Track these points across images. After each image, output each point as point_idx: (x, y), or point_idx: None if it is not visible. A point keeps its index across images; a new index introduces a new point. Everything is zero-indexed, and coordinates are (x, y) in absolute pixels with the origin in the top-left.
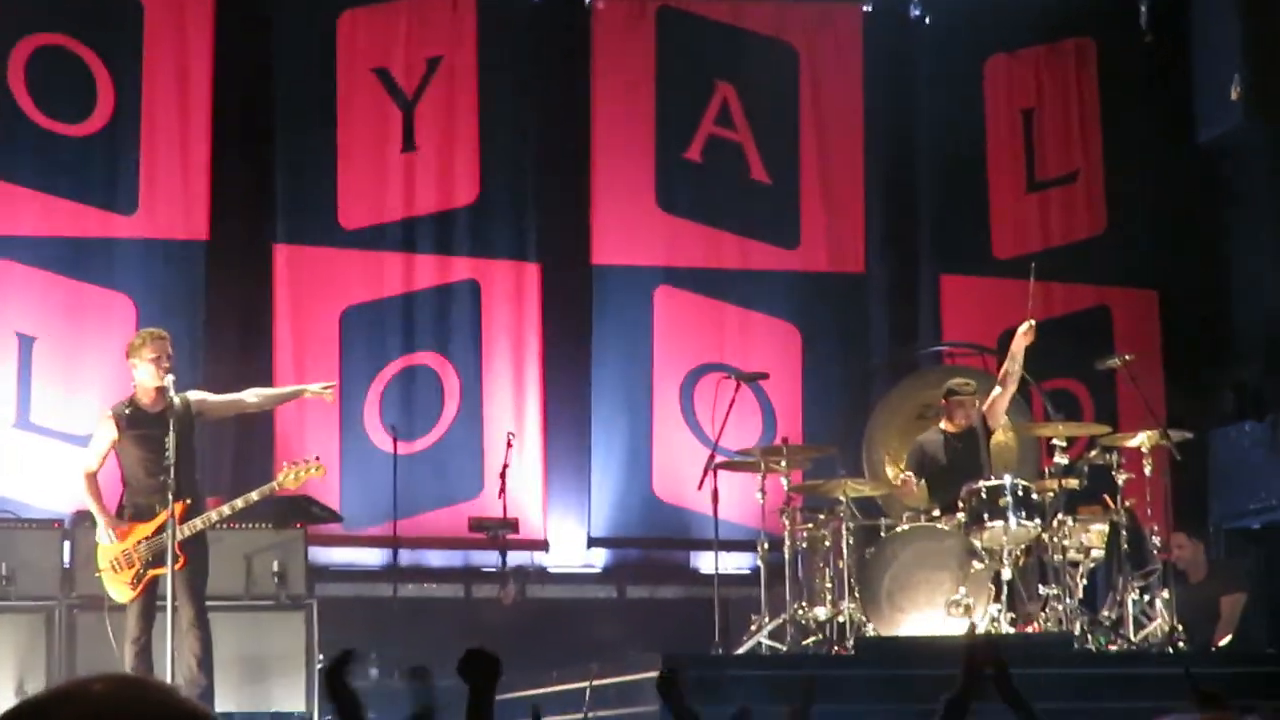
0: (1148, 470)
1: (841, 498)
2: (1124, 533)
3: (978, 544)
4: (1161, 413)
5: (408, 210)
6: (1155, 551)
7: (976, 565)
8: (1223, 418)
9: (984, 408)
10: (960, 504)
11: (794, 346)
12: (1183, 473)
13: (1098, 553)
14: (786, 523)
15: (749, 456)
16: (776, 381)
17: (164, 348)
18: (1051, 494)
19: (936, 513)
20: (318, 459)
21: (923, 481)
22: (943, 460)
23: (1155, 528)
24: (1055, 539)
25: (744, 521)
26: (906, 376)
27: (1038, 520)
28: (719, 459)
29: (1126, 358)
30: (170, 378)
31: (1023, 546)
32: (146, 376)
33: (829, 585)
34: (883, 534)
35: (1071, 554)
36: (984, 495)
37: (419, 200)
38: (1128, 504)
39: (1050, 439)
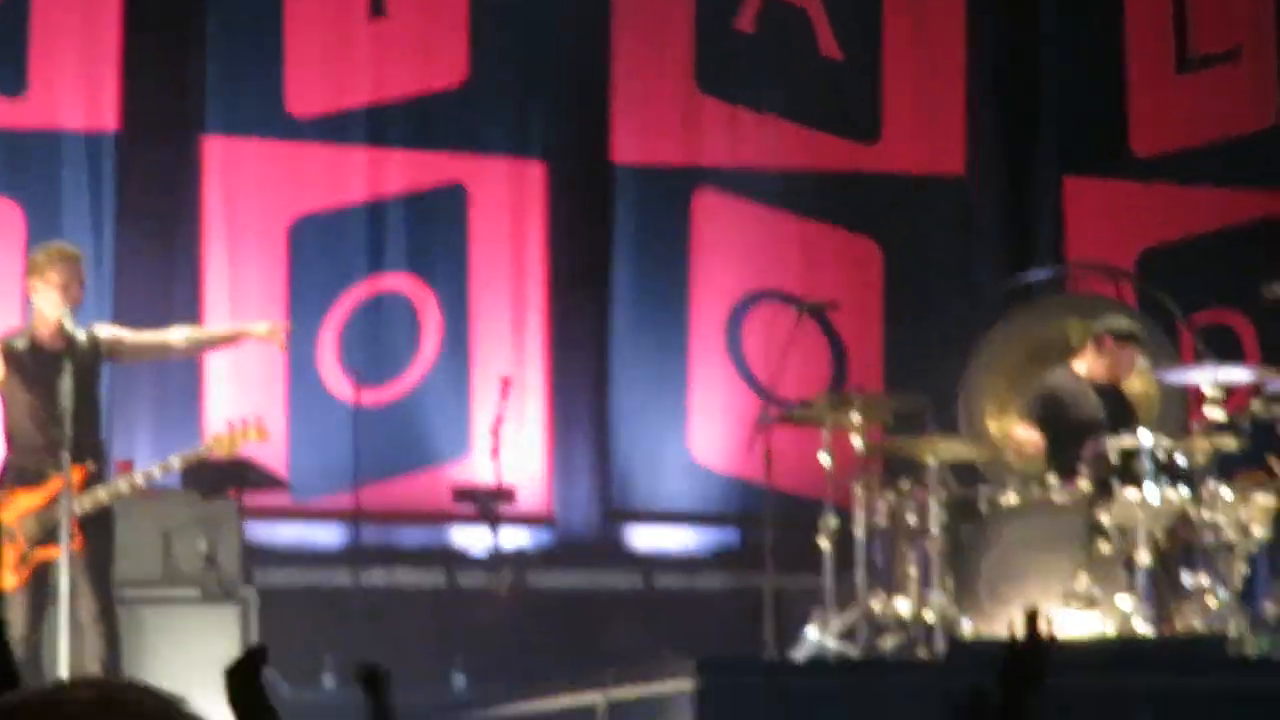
0: None
1: (931, 461)
2: None
3: (1106, 520)
4: None
5: (376, 94)
6: None
7: (1104, 547)
8: None
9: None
10: (1082, 469)
11: (873, 268)
12: None
13: (1261, 532)
14: (860, 493)
15: (813, 408)
16: (849, 313)
17: (75, 271)
18: (1203, 457)
19: (1053, 481)
20: (259, 421)
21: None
22: (1085, 415)
23: None
24: (1207, 515)
25: (806, 492)
26: (1019, 307)
27: (1184, 490)
28: (774, 412)
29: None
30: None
31: (1164, 524)
32: (48, 305)
33: (914, 572)
34: (983, 508)
35: (1228, 534)
36: (1114, 458)
37: (390, 81)
38: None
39: (1202, 387)
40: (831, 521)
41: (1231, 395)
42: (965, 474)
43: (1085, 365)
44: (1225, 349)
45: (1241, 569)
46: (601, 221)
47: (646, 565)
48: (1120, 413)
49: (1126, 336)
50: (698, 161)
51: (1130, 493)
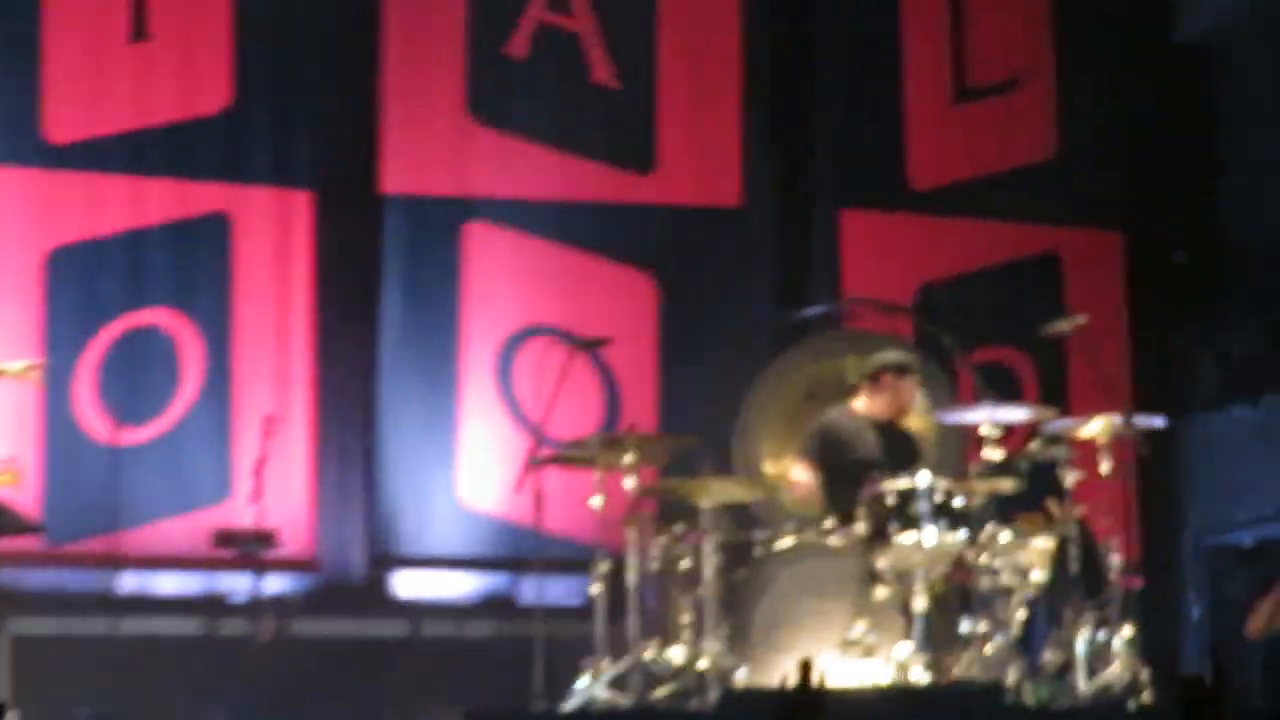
0: (1105, 469)
1: (706, 504)
2: (1074, 550)
3: (883, 565)
4: (1126, 393)
5: (137, 120)
6: (1115, 574)
7: (881, 593)
8: (1205, 399)
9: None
10: (860, 512)
11: (647, 303)
12: (1152, 472)
13: (1039, 576)
14: (633, 537)
15: (584, 448)
16: (624, 349)
17: None
18: (981, 499)
19: (829, 524)
20: (12, 462)
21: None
22: (862, 454)
23: (1115, 543)
24: (985, 559)
25: (577, 535)
26: (795, 344)
27: (962, 534)
28: (545, 452)
29: (1080, 321)
30: None
31: (942, 569)
32: None
33: (688, 619)
34: (758, 552)
35: (1005, 578)
36: (891, 501)
37: (152, 107)
38: (1080, 513)
39: (980, 427)
40: (603, 566)
41: (1009, 435)
42: (741, 517)
43: (863, 403)
44: (1004, 387)
45: (1019, 615)
46: (370, 253)
47: (414, 612)
48: (899, 452)
49: (903, 370)
50: (469, 192)
51: (907, 536)
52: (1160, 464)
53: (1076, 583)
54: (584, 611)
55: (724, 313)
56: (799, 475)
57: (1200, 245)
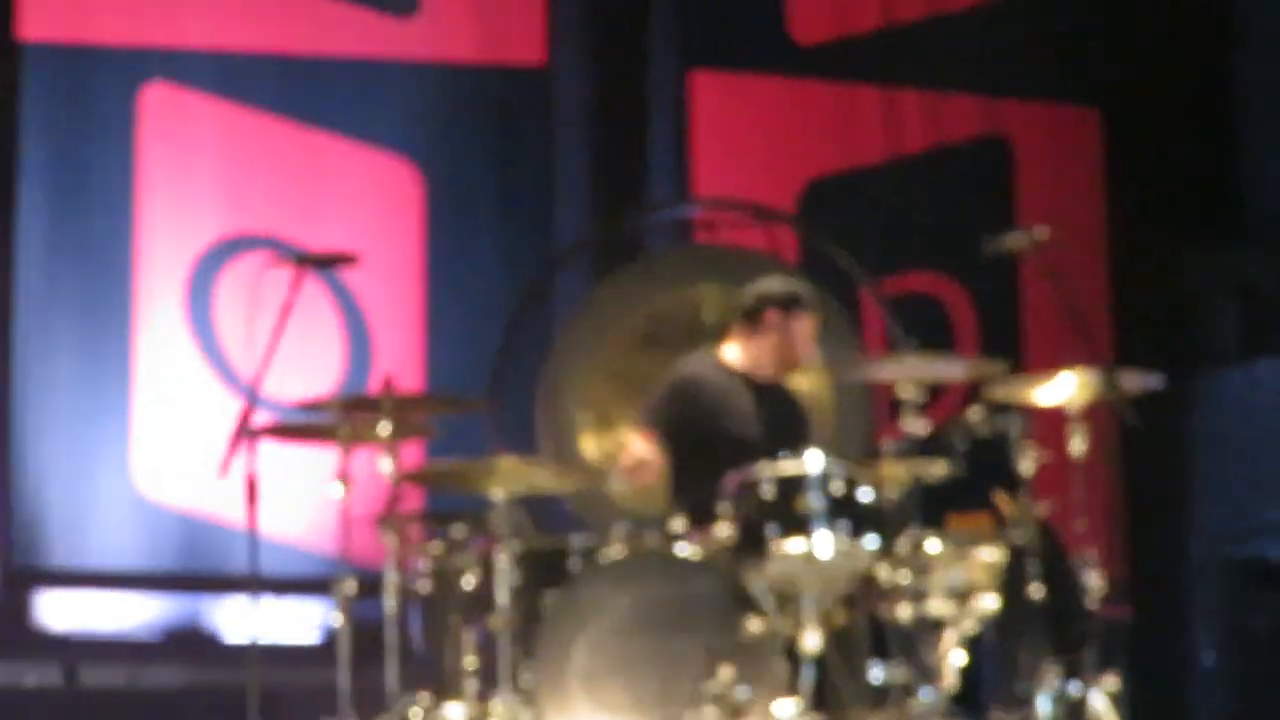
0: (1077, 449)
1: (498, 495)
2: (1033, 566)
3: (758, 585)
4: (1105, 340)
5: None
6: (1092, 600)
7: (754, 625)
8: (1220, 351)
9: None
10: (723, 508)
11: (409, 205)
12: (1145, 454)
13: (984, 603)
14: (392, 544)
15: (319, 414)
16: (374, 271)
17: None
18: (899, 491)
19: (679, 526)
20: None
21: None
22: (728, 426)
23: (1093, 556)
24: (904, 577)
25: (308, 542)
26: (624, 265)
27: (871, 541)
28: (261, 418)
29: (1038, 235)
30: None
31: (843, 591)
32: None
33: (472, 663)
34: (575, 566)
35: (935, 606)
36: (769, 493)
37: None
38: (1042, 512)
39: (897, 388)
40: (347, 587)
41: (939, 399)
42: (549, 515)
43: (734, 352)
44: (930, 331)
45: (956, 659)
46: (3, 126)
47: (69, 651)
48: (782, 423)
49: (792, 305)
50: (148, 41)
51: (793, 544)
52: (1157, 442)
53: (1037, 613)
54: (319, 652)
55: (521, 220)
56: (636, 454)
57: (1213, 140)
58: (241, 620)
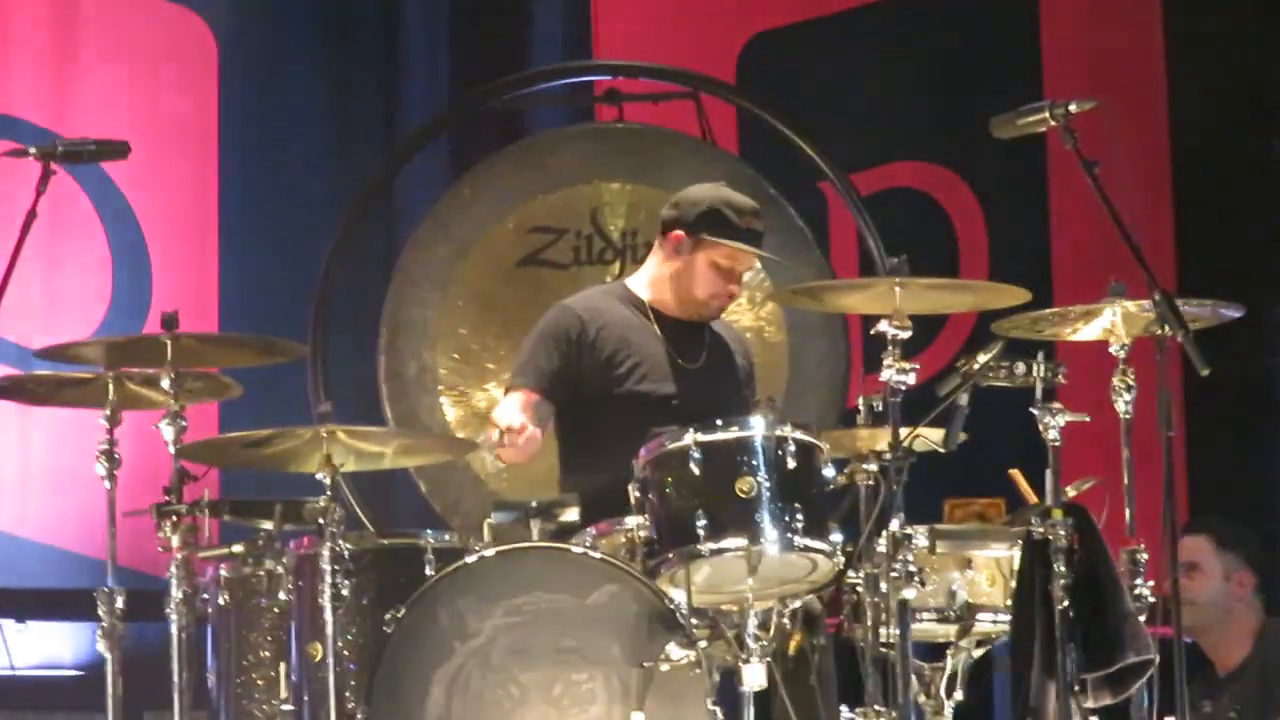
0: (1121, 406)
1: (322, 475)
2: (1062, 568)
3: (674, 595)
4: (1164, 258)
5: None
6: (1143, 614)
7: (676, 654)
8: None
9: None
10: (633, 491)
11: (202, 78)
12: (1212, 412)
13: (989, 623)
14: (177, 543)
15: (76, 365)
16: (152, 169)
17: None
18: (875, 468)
19: (569, 514)
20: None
21: (550, 423)
22: (640, 379)
23: (1144, 555)
24: (884, 588)
25: (63, 543)
26: (494, 160)
27: (835, 535)
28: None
29: (1070, 108)
30: None
31: (799, 604)
32: None
33: (283, 699)
34: (434, 571)
35: (926, 623)
36: (697, 470)
37: None
38: (1076, 493)
39: (879, 325)
40: (114, 601)
41: (935, 338)
42: (394, 502)
43: (646, 279)
44: (921, 243)
45: (955, 693)
46: None
47: None
48: (712, 377)
49: (732, 217)
50: None
51: (730, 540)
52: (1234, 397)
53: (1066, 633)
54: (78, 690)
55: (352, 98)
56: (509, 418)
57: None
58: None
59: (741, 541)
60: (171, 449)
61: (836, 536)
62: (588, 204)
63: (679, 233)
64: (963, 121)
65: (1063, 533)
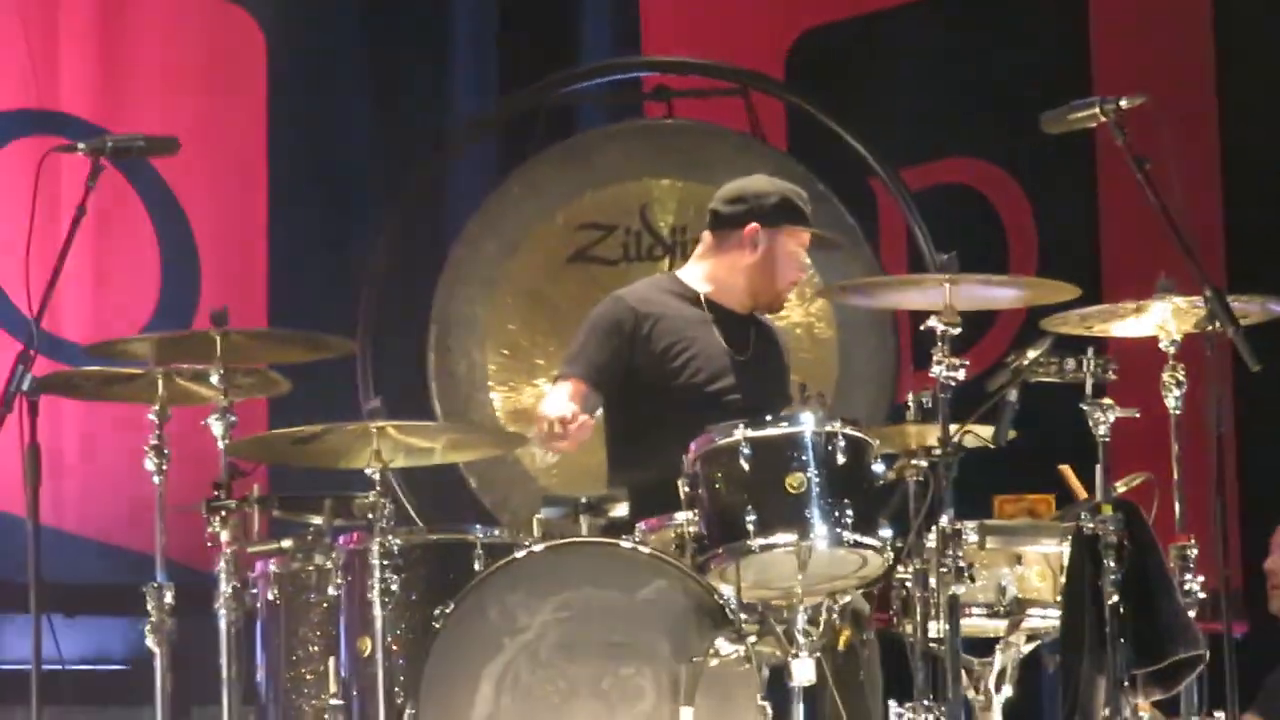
0: (1172, 402)
1: (372, 471)
2: (1112, 563)
3: (726, 592)
4: (1214, 254)
5: None
6: (1195, 613)
7: (726, 648)
8: None
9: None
10: (683, 487)
11: (251, 75)
12: (1263, 408)
13: (1039, 618)
14: (226, 538)
15: (124, 360)
16: (203, 166)
17: None
18: (928, 464)
19: (619, 510)
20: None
21: (599, 413)
22: (694, 372)
23: (1194, 552)
24: (934, 581)
25: (112, 538)
26: (545, 155)
27: (885, 532)
28: (41, 366)
29: (1122, 104)
30: None
31: (848, 600)
32: None
33: (336, 697)
34: (483, 566)
35: (976, 618)
36: (747, 466)
37: None
38: (1126, 489)
39: (931, 322)
40: (165, 595)
41: (985, 334)
42: (444, 497)
43: (701, 272)
44: (971, 239)
45: (1004, 689)
46: None
47: None
48: (763, 372)
49: (782, 212)
50: None
51: (779, 536)
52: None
53: (1118, 630)
54: (127, 684)
55: (403, 94)
56: (558, 408)
57: None
58: (19, 642)
59: (791, 537)
60: (221, 444)
61: (886, 532)
62: (637, 200)
63: (754, 225)
64: (1012, 118)
65: (1113, 528)
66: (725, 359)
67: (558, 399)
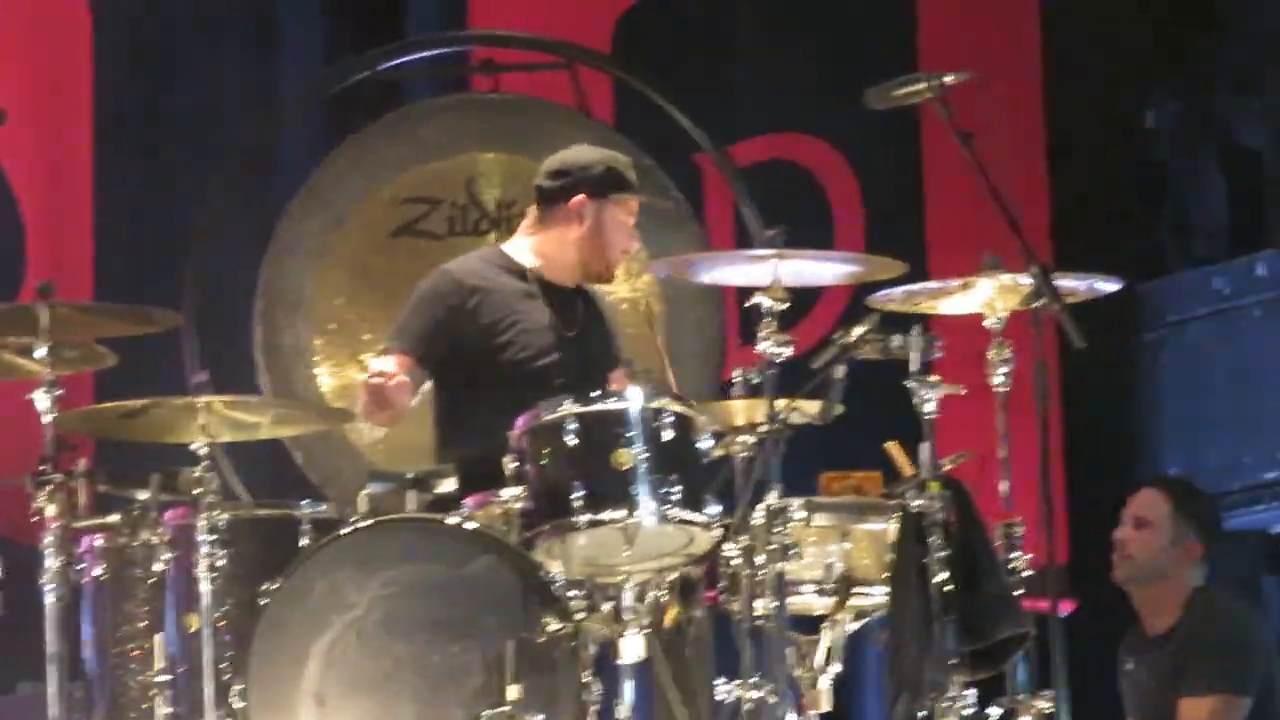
0: (997, 379)
1: (197, 445)
2: (938, 541)
3: (553, 567)
4: (1039, 230)
5: None
6: (1019, 591)
7: (553, 625)
8: (1195, 246)
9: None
10: (509, 463)
11: (75, 43)
12: (1087, 385)
13: (869, 595)
14: (51, 512)
15: None
16: (27, 134)
17: None
18: (753, 439)
19: (445, 485)
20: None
21: (424, 386)
22: (520, 345)
23: (1020, 530)
24: (760, 559)
25: None
26: (371, 128)
27: (713, 509)
28: None
29: (946, 80)
30: None
31: (675, 577)
32: None
33: (160, 674)
34: (308, 541)
35: (804, 597)
36: (573, 441)
37: None
38: (952, 467)
39: (755, 298)
40: None
41: (810, 309)
42: (270, 473)
43: (528, 244)
44: (797, 215)
45: (830, 669)
46: None
47: None
48: (589, 347)
49: (610, 183)
50: None
51: (607, 513)
52: (1108, 370)
53: (942, 607)
54: None
55: (231, 65)
56: (386, 387)
57: None
58: None
59: (619, 513)
60: (47, 418)
61: (713, 509)
62: (463, 174)
63: (580, 196)
64: (838, 94)
65: (939, 506)
66: (551, 334)
67: (392, 373)
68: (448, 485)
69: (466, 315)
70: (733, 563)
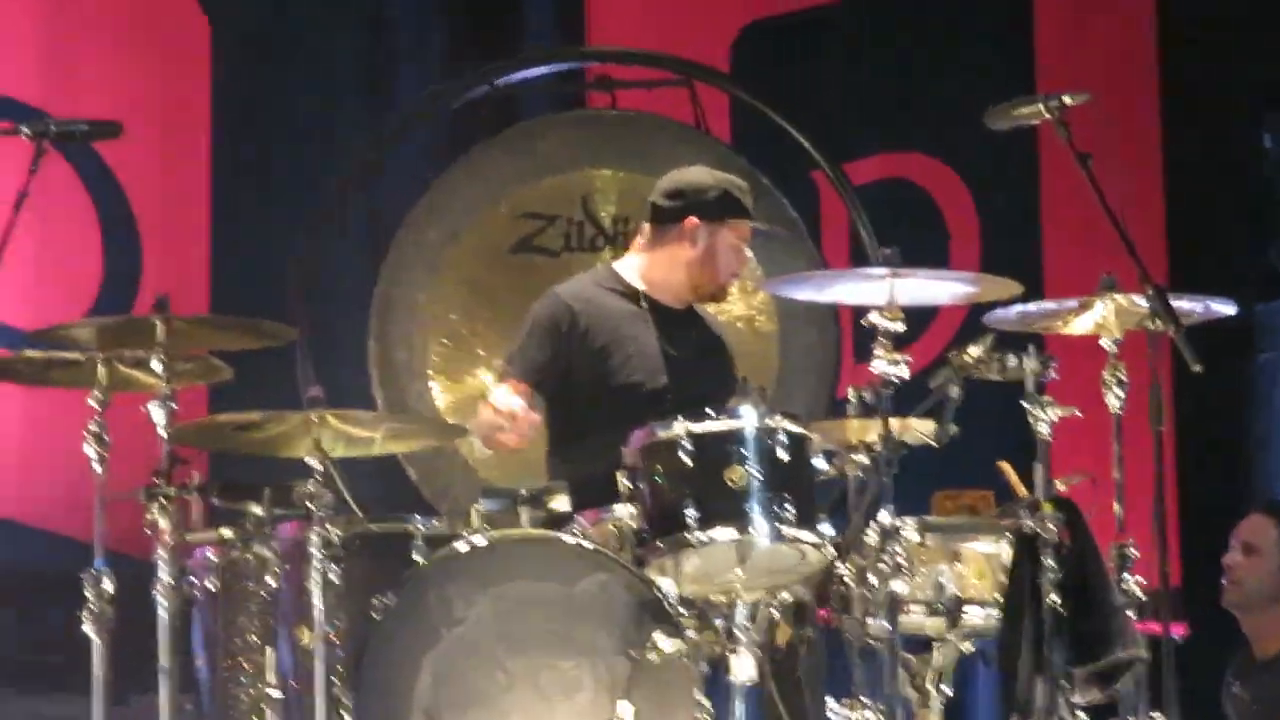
0: (1112, 401)
1: (313, 461)
2: (1051, 563)
3: (670, 589)
4: (1156, 253)
5: None
6: (1134, 612)
7: (665, 643)
8: None
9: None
10: (622, 482)
11: (195, 60)
12: (1203, 408)
13: (978, 616)
14: (164, 526)
15: (64, 346)
16: (145, 151)
17: None
18: (868, 460)
19: (559, 503)
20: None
21: (542, 409)
22: (631, 368)
23: (1133, 551)
24: (872, 578)
25: (48, 523)
26: (486, 145)
27: (827, 529)
28: None
29: (1066, 101)
30: None
31: (790, 598)
32: None
33: (274, 687)
34: (422, 558)
35: (916, 617)
36: (687, 461)
37: None
38: (1067, 488)
39: (870, 317)
40: (103, 584)
41: (925, 330)
42: (384, 488)
43: (639, 265)
44: (913, 235)
45: (940, 688)
46: None
47: None
48: (702, 368)
49: (723, 206)
50: None
51: (719, 532)
52: (1225, 393)
53: (1055, 628)
54: (62, 670)
55: (346, 81)
56: (500, 406)
57: None
58: None
59: (731, 532)
60: (162, 432)
61: (826, 528)
62: (579, 190)
63: (694, 219)
64: (955, 113)
65: (1052, 527)
66: (661, 358)
67: (506, 394)
68: (560, 502)
69: (577, 339)
70: (845, 582)
